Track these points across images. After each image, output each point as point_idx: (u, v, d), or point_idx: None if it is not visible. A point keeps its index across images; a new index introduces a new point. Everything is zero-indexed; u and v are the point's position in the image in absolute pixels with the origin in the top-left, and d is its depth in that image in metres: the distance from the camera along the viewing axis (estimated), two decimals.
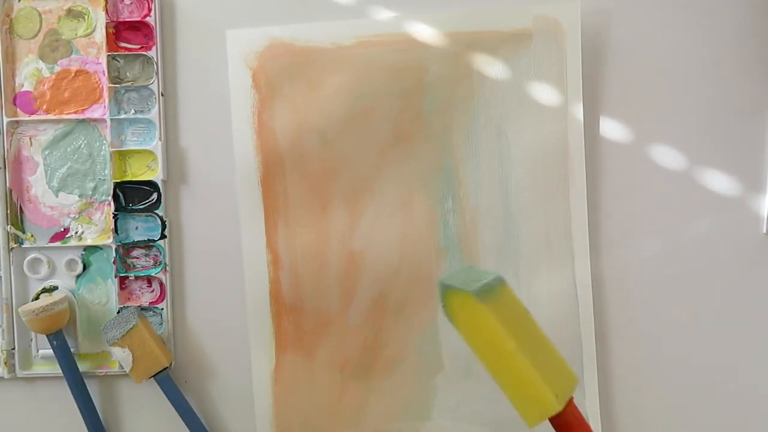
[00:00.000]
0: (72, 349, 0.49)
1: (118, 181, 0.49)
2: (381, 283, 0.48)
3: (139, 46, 0.49)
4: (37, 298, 0.49)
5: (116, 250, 0.49)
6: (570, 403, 0.34)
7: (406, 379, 0.49)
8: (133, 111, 0.49)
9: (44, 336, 0.47)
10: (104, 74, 0.48)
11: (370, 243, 0.48)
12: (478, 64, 0.47)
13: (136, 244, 0.49)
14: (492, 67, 0.47)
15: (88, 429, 0.49)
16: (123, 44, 0.49)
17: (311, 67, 0.47)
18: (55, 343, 0.47)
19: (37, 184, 0.49)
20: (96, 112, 0.49)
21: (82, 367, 0.49)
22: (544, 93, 0.47)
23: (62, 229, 0.49)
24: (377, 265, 0.48)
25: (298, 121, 0.47)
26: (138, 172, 0.49)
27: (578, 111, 0.47)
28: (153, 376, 0.48)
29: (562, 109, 0.47)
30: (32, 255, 0.49)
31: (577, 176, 0.47)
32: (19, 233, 0.49)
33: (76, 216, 0.49)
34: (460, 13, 0.47)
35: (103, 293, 0.50)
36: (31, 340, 0.49)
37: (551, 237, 0.45)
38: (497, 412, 0.49)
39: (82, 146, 0.49)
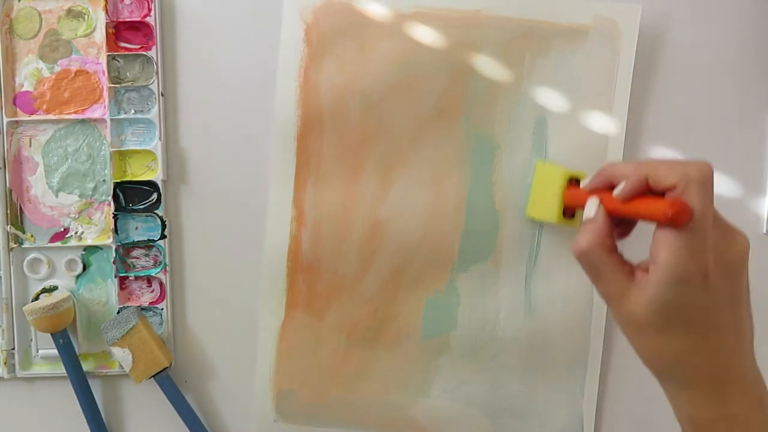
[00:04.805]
0: None
1: (118, 181, 0.49)
2: (400, 257, 0.48)
3: (139, 46, 0.49)
4: (36, 298, 0.49)
5: (116, 250, 0.49)
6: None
7: (411, 355, 0.49)
8: (133, 111, 0.49)
9: (44, 336, 0.47)
10: (104, 74, 0.48)
11: (396, 215, 0.48)
12: (530, 53, 0.47)
13: (136, 244, 0.49)
14: (543, 59, 0.47)
15: (90, 429, 0.49)
16: (123, 44, 0.49)
17: (365, 30, 0.47)
18: (61, 341, 0.47)
19: (37, 184, 0.49)
20: (96, 112, 0.49)
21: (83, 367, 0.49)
22: (591, 94, 0.47)
23: (62, 229, 0.49)
24: (400, 238, 0.48)
25: (343, 82, 0.47)
26: (138, 172, 0.49)
27: (623, 117, 0.47)
28: (153, 376, 0.48)
29: (606, 113, 0.47)
30: (32, 255, 0.49)
31: None
32: (19, 233, 0.49)
33: (76, 216, 0.49)
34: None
35: (103, 293, 0.50)
36: (31, 340, 0.49)
37: (574, 234, 0.44)
38: (496, 397, 0.49)
39: (82, 146, 0.49)
